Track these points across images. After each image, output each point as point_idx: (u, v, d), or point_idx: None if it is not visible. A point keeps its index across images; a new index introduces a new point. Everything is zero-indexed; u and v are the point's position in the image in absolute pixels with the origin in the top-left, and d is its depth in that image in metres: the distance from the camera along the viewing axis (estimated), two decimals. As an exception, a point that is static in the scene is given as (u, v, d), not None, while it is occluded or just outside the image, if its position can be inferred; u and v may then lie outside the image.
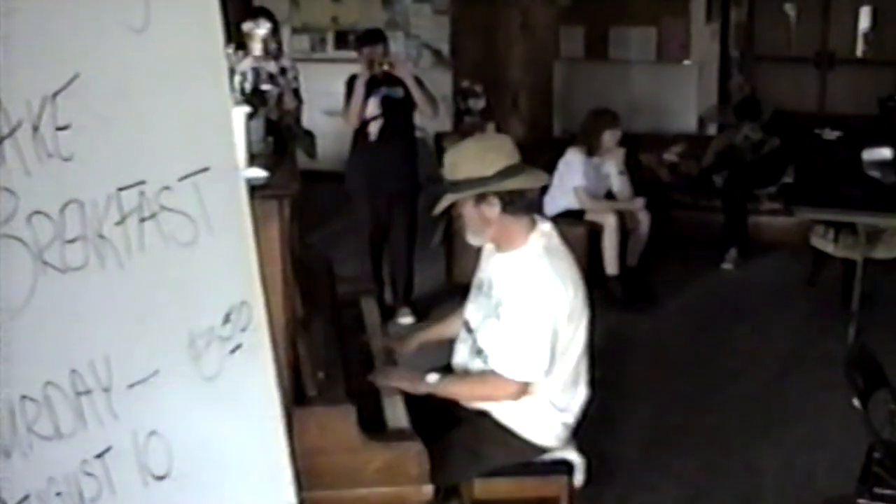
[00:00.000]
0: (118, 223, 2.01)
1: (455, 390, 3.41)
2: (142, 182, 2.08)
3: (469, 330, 3.47)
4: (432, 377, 3.36)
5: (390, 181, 6.20)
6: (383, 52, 6.12)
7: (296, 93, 6.50)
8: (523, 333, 3.22)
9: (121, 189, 2.03)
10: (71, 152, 1.90)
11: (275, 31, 6.60)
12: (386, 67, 6.02)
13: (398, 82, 6.08)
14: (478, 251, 3.57)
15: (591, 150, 6.89)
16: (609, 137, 6.89)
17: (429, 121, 6.81)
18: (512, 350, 3.24)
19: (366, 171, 6.22)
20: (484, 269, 3.49)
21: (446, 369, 3.56)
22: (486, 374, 3.33)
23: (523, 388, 3.27)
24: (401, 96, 6.09)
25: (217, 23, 2.35)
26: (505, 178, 3.23)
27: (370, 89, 6.04)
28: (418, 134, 6.59)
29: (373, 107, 6.09)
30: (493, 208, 3.26)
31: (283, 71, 6.45)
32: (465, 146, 3.40)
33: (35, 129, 1.82)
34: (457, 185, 3.29)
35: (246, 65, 6.01)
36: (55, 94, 1.87)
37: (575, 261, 3.40)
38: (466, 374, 3.45)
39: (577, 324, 3.31)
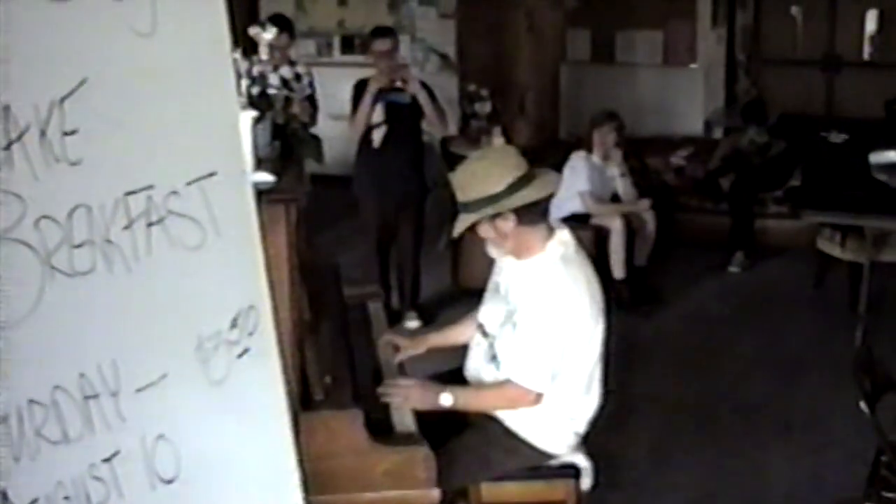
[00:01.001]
0: (126, 228, 2.01)
1: (471, 405, 3.40)
2: (149, 186, 2.08)
3: (485, 334, 3.46)
4: (446, 398, 3.32)
5: (397, 185, 6.21)
6: (393, 45, 6.12)
7: (310, 100, 6.48)
8: (540, 342, 3.22)
9: (128, 193, 2.03)
10: (78, 157, 1.90)
11: (291, 37, 6.60)
12: (399, 83, 6.02)
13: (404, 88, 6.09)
14: (488, 255, 3.58)
15: (588, 149, 6.94)
16: (598, 136, 6.92)
17: (438, 133, 6.83)
18: (528, 359, 3.24)
19: (373, 174, 6.22)
20: (501, 273, 3.48)
21: (454, 373, 3.56)
22: (502, 385, 3.32)
23: (540, 397, 3.27)
24: (406, 101, 6.09)
25: (224, 27, 2.36)
26: (516, 190, 3.22)
27: (376, 95, 6.04)
28: (425, 138, 6.59)
29: (377, 113, 6.09)
30: (508, 223, 3.25)
31: (297, 77, 6.43)
32: (470, 165, 3.36)
33: (42, 133, 1.82)
34: (469, 206, 3.28)
35: (257, 69, 6.01)
36: (63, 99, 1.87)
37: (592, 269, 3.39)
38: (480, 384, 3.44)
39: (591, 332, 3.30)
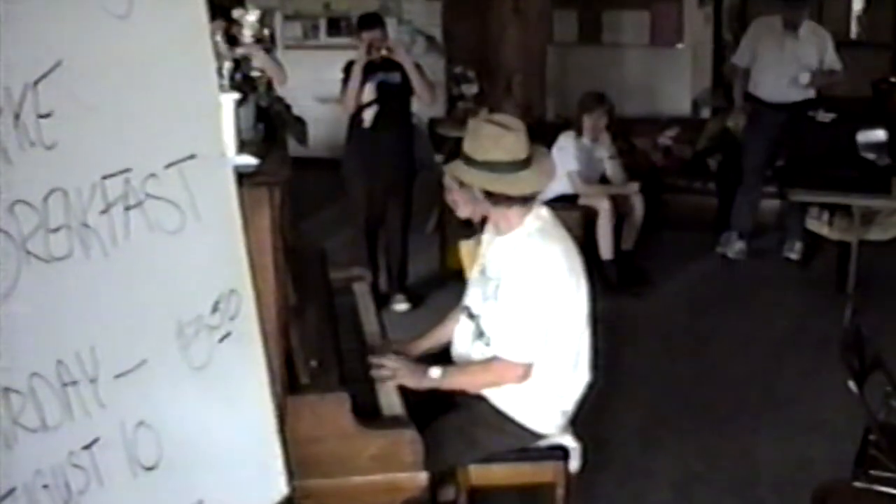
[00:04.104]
0: (103, 212, 1.99)
1: (460, 381, 3.39)
2: (127, 170, 2.06)
3: (471, 316, 3.46)
4: (435, 372, 3.33)
5: (386, 167, 6.19)
6: (382, 37, 6.09)
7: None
8: (521, 313, 3.22)
9: (105, 177, 2.00)
10: (54, 140, 1.87)
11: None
12: (384, 52, 6.00)
13: (395, 68, 6.06)
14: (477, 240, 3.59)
15: (578, 131, 6.93)
16: (589, 121, 6.91)
17: (426, 107, 6.79)
18: (511, 332, 3.24)
19: (362, 157, 6.19)
20: (486, 253, 3.48)
21: (444, 357, 3.55)
22: (489, 361, 3.32)
23: (528, 369, 3.27)
24: (397, 82, 6.07)
25: (202, 8, 2.33)
26: (492, 171, 3.23)
27: (367, 75, 6.01)
28: (413, 120, 6.56)
29: (369, 92, 6.06)
30: (482, 203, 3.30)
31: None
32: (488, 128, 3.33)
33: (16, 117, 1.80)
34: (471, 162, 3.28)
35: (240, 52, 5.97)
36: (37, 82, 1.84)
37: (573, 244, 3.39)
38: (468, 362, 3.44)
39: (572, 305, 3.30)
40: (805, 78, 7.11)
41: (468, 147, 3.30)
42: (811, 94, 7.28)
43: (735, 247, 7.36)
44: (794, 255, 7.33)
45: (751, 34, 7.57)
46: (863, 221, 6.22)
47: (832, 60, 7.21)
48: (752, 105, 7.40)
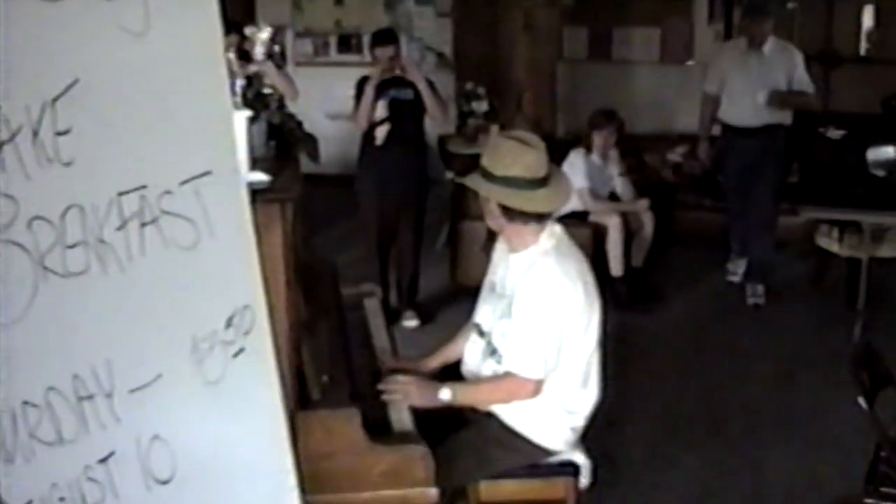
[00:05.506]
0: (119, 228, 2.01)
1: (471, 399, 3.40)
2: (143, 186, 2.08)
3: (481, 333, 3.46)
4: (445, 393, 3.33)
5: (398, 184, 6.19)
6: (395, 53, 6.11)
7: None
8: (533, 331, 3.23)
9: (122, 194, 2.02)
10: (71, 157, 1.90)
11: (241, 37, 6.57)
12: (398, 71, 6.01)
13: (407, 85, 6.06)
14: (487, 254, 3.58)
15: (588, 148, 6.94)
16: (598, 138, 6.92)
17: (438, 125, 6.80)
18: (524, 349, 3.25)
19: (374, 174, 6.20)
20: (497, 270, 3.49)
21: (455, 374, 3.55)
22: (501, 378, 3.33)
23: (539, 386, 3.28)
24: (410, 98, 6.08)
25: (217, 27, 2.35)
26: (510, 187, 3.23)
27: (379, 91, 6.02)
28: (424, 137, 6.58)
29: (381, 109, 6.07)
30: (496, 209, 3.29)
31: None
32: (507, 143, 3.33)
33: (35, 134, 1.82)
34: (489, 177, 3.27)
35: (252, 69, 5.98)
36: (55, 100, 1.86)
37: (586, 263, 3.40)
38: (478, 379, 3.44)
39: (586, 323, 3.30)
40: (762, 96, 6.63)
41: (487, 161, 3.29)
42: (784, 118, 6.84)
43: (741, 270, 7.32)
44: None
45: (718, 59, 7.22)
46: (873, 238, 6.21)
47: (803, 81, 6.71)
48: (725, 131, 7.16)
